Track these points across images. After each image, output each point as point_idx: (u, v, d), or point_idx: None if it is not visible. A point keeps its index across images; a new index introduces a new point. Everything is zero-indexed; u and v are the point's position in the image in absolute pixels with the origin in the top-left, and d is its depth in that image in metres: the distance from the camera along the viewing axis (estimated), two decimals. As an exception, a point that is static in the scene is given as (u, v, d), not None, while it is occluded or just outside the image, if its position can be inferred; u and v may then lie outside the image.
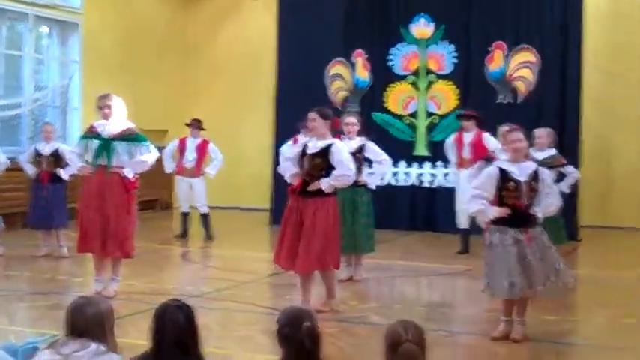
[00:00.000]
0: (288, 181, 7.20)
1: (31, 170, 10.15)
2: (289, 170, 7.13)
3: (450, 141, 11.05)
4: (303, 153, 7.01)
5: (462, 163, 10.65)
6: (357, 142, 8.50)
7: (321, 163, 6.86)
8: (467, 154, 10.58)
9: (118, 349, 3.60)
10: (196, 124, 12.01)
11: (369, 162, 8.83)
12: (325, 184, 6.84)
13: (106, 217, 7.46)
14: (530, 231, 6.05)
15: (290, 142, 9.95)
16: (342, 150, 7.04)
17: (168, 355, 3.37)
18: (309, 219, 6.81)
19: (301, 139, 8.95)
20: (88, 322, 3.51)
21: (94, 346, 3.46)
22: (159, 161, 11.75)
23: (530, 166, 6.20)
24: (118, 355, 3.55)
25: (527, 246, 6.00)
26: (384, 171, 9.09)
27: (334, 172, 6.87)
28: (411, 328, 3.27)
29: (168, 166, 11.97)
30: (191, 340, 3.45)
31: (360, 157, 8.45)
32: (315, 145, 6.96)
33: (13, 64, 13.40)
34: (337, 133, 7.64)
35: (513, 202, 6.05)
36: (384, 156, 8.67)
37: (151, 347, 3.43)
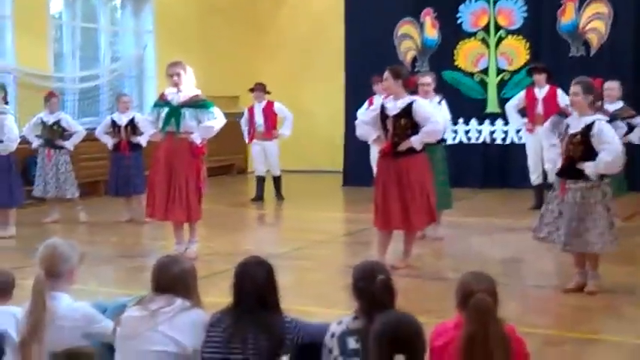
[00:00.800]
0: (372, 144, 7.28)
1: (108, 141, 10.46)
2: (371, 134, 7.19)
3: (516, 101, 10.88)
4: (383, 115, 7.05)
5: (534, 119, 10.52)
6: (435, 100, 8.58)
7: (406, 122, 6.93)
8: (540, 109, 10.46)
9: (201, 304, 3.80)
10: (259, 88, 12.18)
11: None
12: (416, 141, 6.93)
13: (173, 183, 7.63)
14: (568, 182, 6.06)
15: (366, 105, 10.02)
16: (425, 105, 7.12)
17: (249, 310, 3.54)
18: (406, 178, 6.92)
19: (377, 100, 9.00)
20: (173, 280, 3.71)
21: (179, 301, 3.66)
22: (237, 129, 12.10)
23: (587, 120, 6.08)
24: (202, 310, 3.75)
25: (557, 195, 6.09)
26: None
27: (424, 128, 6.93)
28: (483, 280, 3.37)
29: (246, 136, 12.22)
30: (270, 295, 3.62)
31: None
32: (395, 106, 6.99)
33: (90, 37, 13.77)
34: (412, 92, 7.67)
35: (562, 154, 6.13)
36: (448, 116, 8.76)
37: (232, 302, 3.61)
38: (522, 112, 10.91)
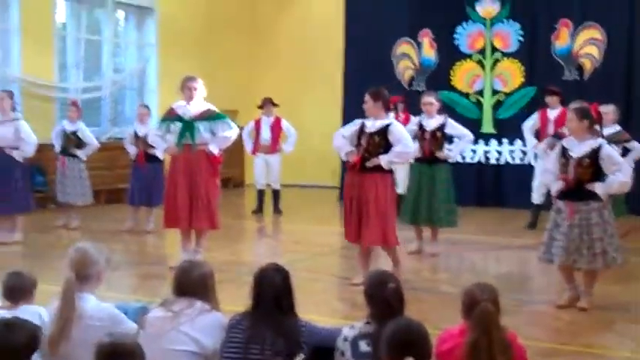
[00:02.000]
0: (343, 158, 7.54)
1: (132, 151, 10.66)
2: (345, 147, 7.40)
3: (532, 122, 11.04)
4: (361, 131, 7.31)
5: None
6: (438, 119, 8.83)
7: (380, 141, 7.18)
8: (551, 130, 10.62)
9: (220, 307, 4.03)
10: (269, 102, 12.43)
11: (449, 139, 9.13)
12: (384, 160, 7.17)
13: (194, 192, 7.86)
14: (576, 204, 6.27)
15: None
16: (401, 128, 7.39)
17: (267, 313, 3.77)
18: (369, 194, 7.13)
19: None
20: (194, 283, 3.95)
21: (199, 304, 3.89)
22: (234, 143, 12.29)
23: (591, 144, 6.32)
24: (220, 312, 3.98)
25: (566, 219, 6.27)
26: (464, 146, 9.48)
27: (395, 148, 7.18)
28: (486, 290, 3.61)
29: (249, 147, 12.43)
30: (287, 299, 3.85)
31: (439, 135, 8.77)
32: (373, 125, 7.26)
33: (93, 49, 13.99)
34: (393, 110, 7.99)
35: (562, 177, 6.35)
36: (465, 131, 8.98)
37: (251, 305, 3.84)
38: (537, 133, 11.04)
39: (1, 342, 3.22)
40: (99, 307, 3.97)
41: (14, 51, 12.33)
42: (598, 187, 6.26)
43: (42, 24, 12.64)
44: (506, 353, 3.38)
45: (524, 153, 13.02)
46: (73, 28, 13.56)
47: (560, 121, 10.48)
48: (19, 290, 4.39)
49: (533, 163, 11.44)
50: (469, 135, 9.03)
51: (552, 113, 10.78)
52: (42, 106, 12.31)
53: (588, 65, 12.96)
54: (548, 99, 10.90)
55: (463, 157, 13.69)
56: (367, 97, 7.30)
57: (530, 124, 11.07)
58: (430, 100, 8.89)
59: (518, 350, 3.53)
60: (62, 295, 3.88)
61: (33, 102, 12.16)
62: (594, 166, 6.29)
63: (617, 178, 6.24)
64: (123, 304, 4.58)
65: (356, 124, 7.44)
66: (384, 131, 7.20)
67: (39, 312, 4.31)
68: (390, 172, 7.34)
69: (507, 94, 13.51)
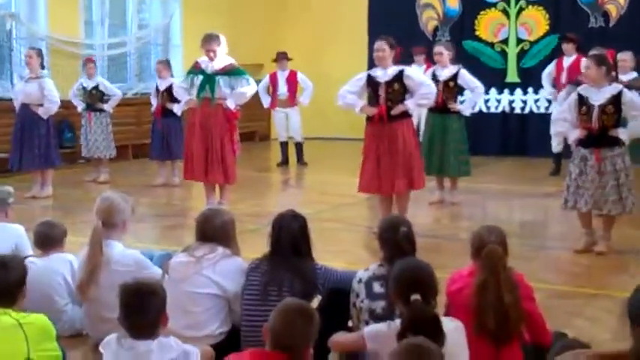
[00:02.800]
0: (358, 113, 7.48)
1: (153, 104, 10.80)
2: (357, 103, 7.35)
3: (549, 70, 11.09)
4: (373, 82, 7.24)
5: (560, 88, 10.64)
6: (451, 69, 8.83)
7: (399, 87, 7.18)
8: (564, 78, 10.66)
9: (240, 252, 4.20)
10: (283, 57, 12.50)
11: (461, 90, 9.16)
12: (411, 104, 7.20)
13: (210, 146, 8.02)
14: (601, 151, 6.32)
15: None
16: (416, 71, 7.49)
17: (284, 257, 3.94)
18: (398, 143, 7.16)
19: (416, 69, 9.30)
20: (216, 230, 4.13)
21: (220, 249, 4.07)
22: (257, 96, 12.41)
23: (611, 90, 6.36)
24: (240, 257, 4.15)
25: (593, 165, 6.33)
26: (477, 99, 9.42)
27: (420, 91, 7.17)
28: (494, 232, 3.74)
29: (265, 101, 12.52)
30: (303, 244, 4.02)
31: (452, 85, 8.81)
32: (385, 74, 7.21)
33: (118, 5, 14.08)
34: (426, 61, 7.97)
35: (585, 125, 6.38)
36: (477, 83, 8.94)
37: (270, 250, 4.01)
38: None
39: None
40: (125, 252, 4.16)
41: (40, 9, 12.45)
42: (622, 133, 6.33)
43: (67, -20, 12.75)
44: (512, 292, 3.51)
45: (550, 101, 12.99)
46: (98, -16, 13.66)
47: (573, 69, 10.49)
48: (50, 239, 4.61)
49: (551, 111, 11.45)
50: (480, 87, 8.98)
51: (567, 61, 10.78)
52: (68, 63, 12.45)
53: (614, 12, 12.86)
54: (564, 46, 10.90)
55: (488, 107, 13.72)
56: (385, 45, 7.19)
57: (547, 72, 11.11)
58: (440, 50, 8.89)
59: (525, 289, 3.66)
60: (90, 242, 4.07)
61: (59, 59, 12.31)
62: (617, 112, 6.33)
63: None
64: (148, 250, 4.78)
65: (361, 78, 7.38)
66: (399, 78, 7.18)
67: (69, 260, 4.54)
68: (410, 116, 7.41)
69: (532, 43, 13.47)
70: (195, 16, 14.22)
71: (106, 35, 13.71)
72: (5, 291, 3.34)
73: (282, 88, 12.40)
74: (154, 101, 10.84)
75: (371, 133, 7.36)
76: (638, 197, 6.58)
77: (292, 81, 12.45)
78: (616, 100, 6.33)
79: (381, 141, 7.23)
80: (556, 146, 10.97)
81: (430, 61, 11.69)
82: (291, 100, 12.44)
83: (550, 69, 11.10)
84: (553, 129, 10.72)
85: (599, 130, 6.34)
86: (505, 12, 13.64)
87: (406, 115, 7.25)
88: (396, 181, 7.20)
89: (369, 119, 7.39)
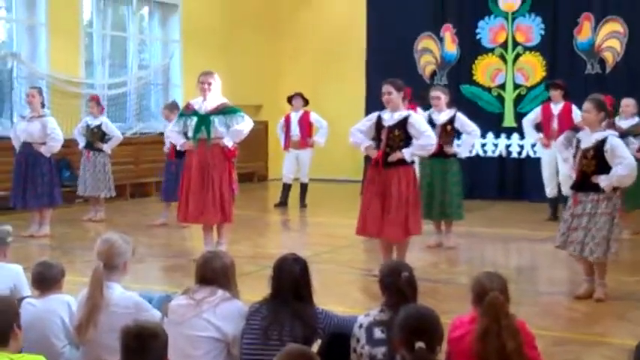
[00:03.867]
0: (364, 153, 7.58)
1: (166, 147, 10.79)
2: (364, 142, 7.37)
3: (533, 116, 11.18)
4: (379, 125, 7.28)
5: (550, 134, 10.77)
6: (447, 113, 8.90)
7: (400, 134, 7.18)
8: (555, 125, 10.73)
9: (239, 295, 4.19)
10: (298, 97, 12.54)
11: (458, 133, 9.21)
12: (407, 153, 7.19)
13: (208, 186, 8.00)
14: (579, 195, 6.41)
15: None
16: (421, 119, 7.41)
17: (285, 301, 3.93)
18: (392, 189, 7.13)
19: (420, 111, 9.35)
20: (216, 273, 4.12)
21: (220, 292, 4.06)
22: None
23: (599, 136, 6.38)
24: (240, 301, 4.14)
25: (570, 207, 6.46)
26: (472, 141, 9.47)
27: (418, 142, 7.17)
28: (495, 278, 3.74)
29: (283, 142, 12.55)
30: (305, 288, 4.00)
31: (449, 129, 8.86)
32: (391, 117, 7.24)
33: (118, 45, 14.22)
34: (410, 102, 8.01)
35: (574, 169, 6.49)
36: (473, 126, 9.01)
37: (270, 293, 4.00)
38: (539, 126, 11.21)
39: None
40: (124, 295, 4.14)
41: (42, 48, 12.58)
42: (601, 180, 6.33)
43: (69, 21, 12.87)
44: (515, 339, 3.50)
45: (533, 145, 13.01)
46: (99, 24, 13.78)
47: (563, 116, 10.58)
48: (48, 279, 4.57)
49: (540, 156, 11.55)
50: (476, 129, 9.08)
51: (556, 108, 10.86)
52: (69, 102, 12.54)
53: (610, 59, 12.97)
54: (552, 92, 11.00)
55: (485, 151, 13.79)
56: (391, 88, 7.19)
57: (531, 118, 11.23)
58: (437, 94, 8.96)
59: (527, 336, 3.65)
60: (90, 284, 4.06)
61: (60, 98, 12.40)
62: (598, 158, 6.35)
63: (617, 172, 6.28)
64: (147, 292, 4.75)
65: (371, 118, 7.44)
66: (403, 124, 7.19)
67: (67, 301, 4.50)
68: (412, 163, 7.43)
69: (529, 88, 13.55)
70: (194, 57, 14.36)
71: (106, 75, 13.81)
72: None
73: (295, 129, 12.43)
74: (167, 143, 10.80)
75: (370, 175, 7.41)
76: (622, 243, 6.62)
77: (305, 122, 12.48)
78: (600, 145, 6.35)
79: (376, 185, 7.24)
80: (550, 191, 11.01)
81: (414, 102, 11.74)
82: (303, 141, 12.44)
83: (534, 115, 11.19)
84: (548, 172, 10.89)
85: (580, 174, 6.42)
86: (502, 57, 13.76)
87: (404, 162, 7.23)
88: (386, 227, 7.18)
89: (369, 161, 7.42)
